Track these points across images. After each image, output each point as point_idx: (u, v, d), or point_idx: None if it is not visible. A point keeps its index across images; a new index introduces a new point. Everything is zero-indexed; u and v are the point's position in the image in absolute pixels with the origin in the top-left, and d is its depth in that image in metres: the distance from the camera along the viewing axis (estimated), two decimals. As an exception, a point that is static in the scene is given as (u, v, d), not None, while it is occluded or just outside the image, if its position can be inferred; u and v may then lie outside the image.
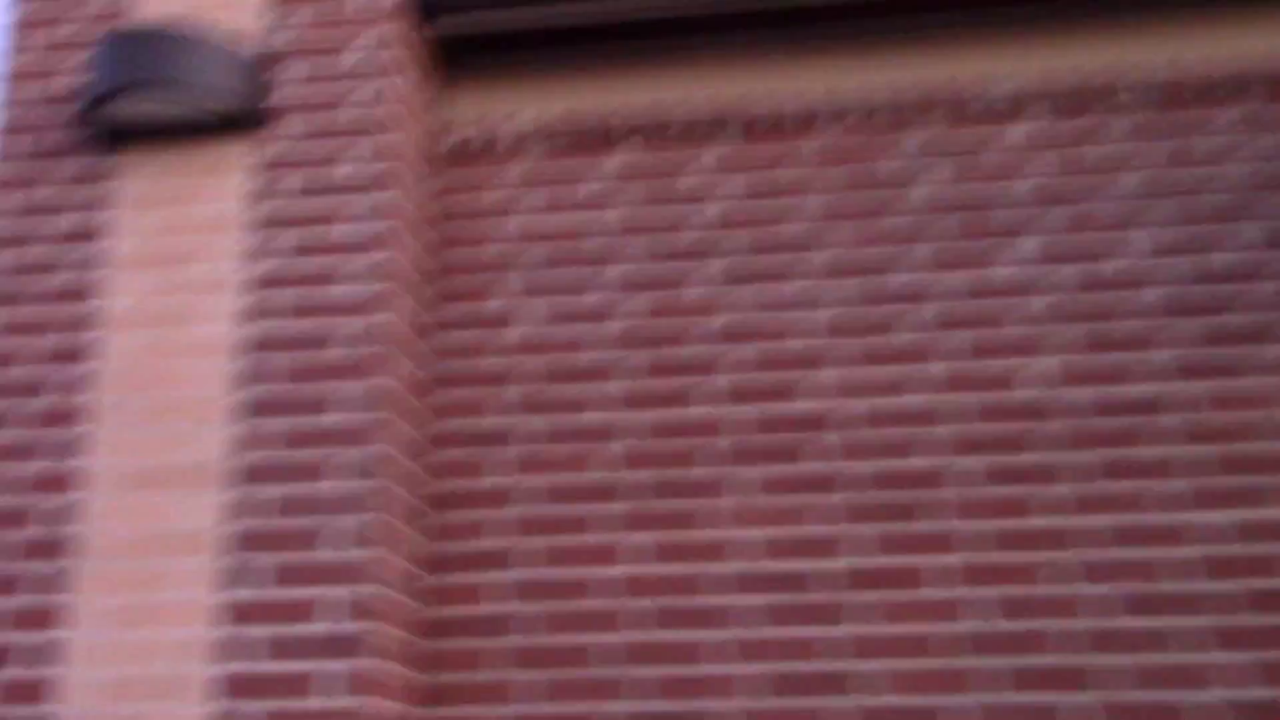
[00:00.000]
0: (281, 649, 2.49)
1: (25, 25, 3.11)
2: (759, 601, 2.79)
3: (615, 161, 3.20)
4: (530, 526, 2.90)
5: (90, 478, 2.66)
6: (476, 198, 3.20)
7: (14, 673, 2.55)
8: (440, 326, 3.10)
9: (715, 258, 3.08)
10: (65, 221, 2.88)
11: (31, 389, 2.75)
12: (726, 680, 2.74)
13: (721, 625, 2.78)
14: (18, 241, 2.89)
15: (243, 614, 2.52)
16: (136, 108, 2.82)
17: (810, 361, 2.96)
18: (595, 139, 3.22)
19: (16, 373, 2.77)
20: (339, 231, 2.80)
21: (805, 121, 3.18)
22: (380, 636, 2.55)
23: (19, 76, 3.06)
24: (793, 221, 3.09)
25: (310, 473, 2.61)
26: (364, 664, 2.46)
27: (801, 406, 2.93)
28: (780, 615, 2.77)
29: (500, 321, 3.09)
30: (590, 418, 2.98)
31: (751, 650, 2.76)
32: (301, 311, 2.74)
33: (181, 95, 2.76)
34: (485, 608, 2.85)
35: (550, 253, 3.13)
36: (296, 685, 2.47)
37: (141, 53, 2.77)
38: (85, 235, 2.86)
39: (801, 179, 3.12)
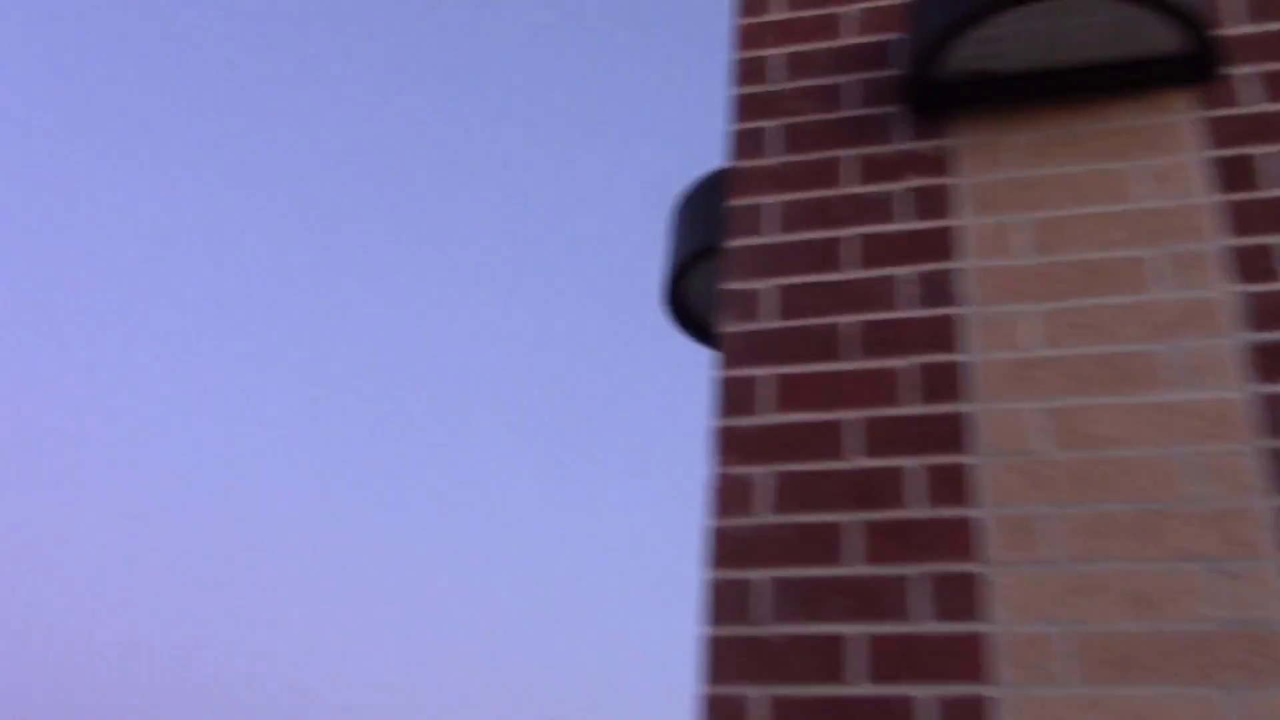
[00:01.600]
0: None
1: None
2: None
3: None
4: None
5: None
6: None
7: None
8: None
9: None
10: (902, 242, 1.99)
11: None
12: None
13: None
14: (867, 291, 1.98)
15: None
16: (989, 58, 1.94)
17: None
18: None
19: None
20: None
21: None
22: None
23: (748, 44, 2.24)
24: None
25: None
26: None
27: None
28: None
29: None
30: None
31: None
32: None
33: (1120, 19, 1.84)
34: None
35: None
36: None
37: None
38: (934, 251, 1.95)
39: None
